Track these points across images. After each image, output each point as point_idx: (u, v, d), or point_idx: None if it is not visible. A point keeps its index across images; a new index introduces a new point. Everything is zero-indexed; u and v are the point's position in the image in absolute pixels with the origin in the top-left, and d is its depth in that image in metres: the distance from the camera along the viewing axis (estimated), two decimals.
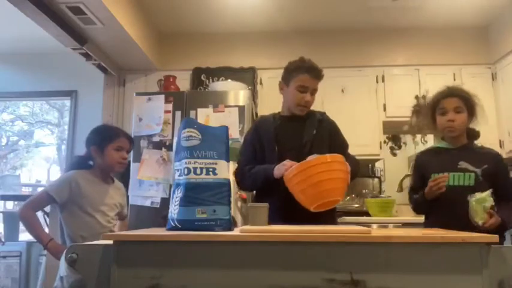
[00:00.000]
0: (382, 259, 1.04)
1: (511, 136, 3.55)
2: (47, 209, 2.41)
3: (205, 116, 3.03)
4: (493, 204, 1.67)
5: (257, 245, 1.07)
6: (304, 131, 1.86)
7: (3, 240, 3.16)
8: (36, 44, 4.10)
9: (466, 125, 1.87)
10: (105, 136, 2.06)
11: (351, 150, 1.95)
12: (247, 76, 3.92)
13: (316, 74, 1.85)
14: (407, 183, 3.88)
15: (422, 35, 3.97)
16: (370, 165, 4.04)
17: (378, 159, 3.84)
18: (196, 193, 1.25)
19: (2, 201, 5.60)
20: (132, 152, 2.81)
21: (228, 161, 1.34)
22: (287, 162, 1.63)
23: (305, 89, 1.83)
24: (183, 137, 1.31)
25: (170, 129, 3.05)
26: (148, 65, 3.94)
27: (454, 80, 3.79)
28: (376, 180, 3.93)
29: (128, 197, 2.53)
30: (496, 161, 1.83)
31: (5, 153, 9.70)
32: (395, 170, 3.94)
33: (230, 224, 1.26)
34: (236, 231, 1.18)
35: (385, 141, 3.97)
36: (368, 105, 3.77)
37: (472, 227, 1.58)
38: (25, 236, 3.58)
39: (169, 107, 3.10)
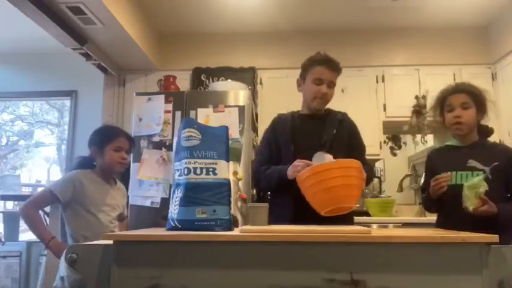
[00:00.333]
0: (382, 259, 1.04)
1: (511, 136, 3.55)
2: (47, 209, 2.41)
3: (205, 116, 3.03)
4: (487, 189, 1.62)
5: (257, 245, 1.07)
6: (324, 131, 1.81)
7: (3, 240, 3.16)
8: (36, 44, 4.10)
9: (474, 122, 1.80)
10: (105, 136, 2.07)
11: None
12: (247, 76, 3.92)
13: (331, 65, 1.81)
14: (407, 183, 3.90)
15: (422, 35, 3.97)
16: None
17: (378, 159, 3.84)
18: (196, 193, 1.25)
19: (2, 201, 5.60)
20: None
21: (228, 161, 1.34)
22: (298, 163, 1.60)
23: (321, 81, 1.80)
24: (183, 137, 1.31)
25: (170, 129, 3.05)
26: (148, 65, 3.95)
27: (454, 80, 3.78)
28: (376, 180, 3.93)
29: (127, 197, 2.53)
30: (507, 157, 1.75)
31: (5, 153, 9.70)
32: (395, 170, 3.94)
33: (230, 224, 1.26)
34: (236, 231, 1.18)
35: (385, 141, 3.97)
36: (368, 105, 3.77)
37: (481, 226, 1.45)
38: (25, 236, 3.59)
39: (169, 107, 3.10)
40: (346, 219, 1.56)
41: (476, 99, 1.80)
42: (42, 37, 3.34)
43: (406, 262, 1.04)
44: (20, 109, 9.38)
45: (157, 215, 2.83)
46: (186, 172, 1.27)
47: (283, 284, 1.04)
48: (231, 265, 1.06)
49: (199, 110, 3.06)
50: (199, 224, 1.22)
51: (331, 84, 1.82)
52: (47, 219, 2.55)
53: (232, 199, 1.34)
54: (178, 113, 3.08)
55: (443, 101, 1.86)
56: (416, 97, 3.72)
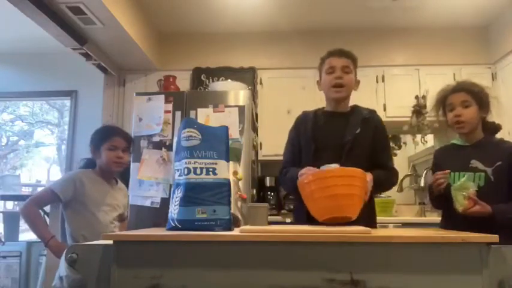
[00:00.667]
0: (382, 259, 1.04)
1: (511, 136, 3.55)
2: (47, 208, 2.41)
3: (205, 116, 3.03)
4: (476, 190, 1.62)
5: (257, 245, 1.07)
6: (347, 129, 1.73)
7: (3, 240, 3.16)
8: (36, 44, 4.10)
9: (477, 119, 1.78)
10: (101, 136, 2.08)
11: None
12: (247, 76, 3.92)
13: (338, 52, 1.78)
14: (407, 183, 3.90)
15: (422, 35, 3.97)
16: None
17: None
18: (196, 193, 1.25)
19: (2, 201, 5.60)
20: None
21: (228, 161, 1.34)
22: (306, 171, 1.54)
23: (333, 69, 1.76)
24: (183, 137, 1.31)
25: (170, 129, 3.05)
26: (148, 65, 3.94)
27: (454, 80, 3.78)
28: None
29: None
30: (510, 155, 1.71)
31: (5, 153, 9.70)
32: None
33: (230, 224, 1.26)
34: (236, 231, 1.18)
35: None
36: (368, 105, 3.72)
37: (483, 228, 1.41)
38: (25, 236, 3.58)
39: (169, 107, 3.10)
40: (367, 219, 1.54)
41: (477, 96, 1.77)
42: (42, 37, 3.34)
43: (406, 262, 1.04)
44: (20, 109, 9.37)
45: (157, 215, 2.84)
46: (186, 172, 1.27)
47: (283, 284, 1.04)
48: (231, 265, 1.06)
49: (199, 110, 3.06)
50: (199, 224, 1.22)
51: (346, 69, 1.75)
52: (47, 219, 2.55)
53: (232, 199, 1.34)
54: (178, 113, 3.08)
55: (444, 101, 1.85)
56: (416, 97, 3.72)
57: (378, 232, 1.17)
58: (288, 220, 3.32)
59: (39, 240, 1.95)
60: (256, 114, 3.78)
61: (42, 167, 10.30)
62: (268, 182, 3.80)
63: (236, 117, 3.02)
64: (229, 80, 3.62)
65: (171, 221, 1.27)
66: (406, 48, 3.98)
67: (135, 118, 3.14)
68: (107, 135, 2.07)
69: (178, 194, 1.27)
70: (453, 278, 1.03)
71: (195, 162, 1.28)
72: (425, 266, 1.03)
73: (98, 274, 1.07)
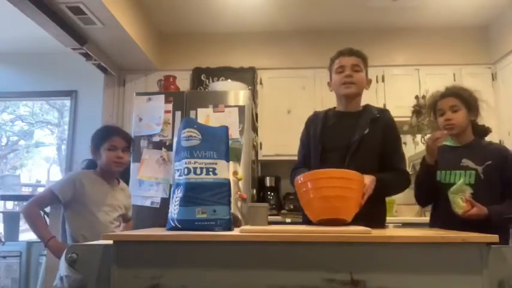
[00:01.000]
0: (382, 259, 1.04)
1: (511, 136, 3.55)
2: (47, 209, 2.41)
3: (205, 116, 3.03)
4: (472, 192, 1.68)
5: (257, 245, 1.07)
6: (356, 130, 1.70)
7: (3, 240, 3.16)
8: (36, 44, 4.10)
9: (466, 122, 1.85)
10: (100, 136, 2.08)
11: None
12: (247, 76, 3.92)
13: (348, 51, 1.77)
14: None
15: (422, 35, 3.97)
16: None
17: None
18: (196, 193, 1.25)
19: (2, 201, 5.60)
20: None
21: (228, 161, 1.34)
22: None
23: (342, 68, 1.75)
24: (183, 137, 1.31)
25: (170, 129, 3.05)
26: (148, 65, 3.95)
27: (454, 80, 3.79)
28: None
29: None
30: (500, 156, 1.78)
31: (5, 153, 9.71)
32: None
33: (230, 224, 1.26)
34: (236, 231, 1.18)
35: None
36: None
37: (471, 225, 1.53)
38: (25, 236, 3.58)
39: (169, 107, 3.10)
40: (376, 219, 1.53)
41: (465, 100, 1.85)
42: (42, 37, 3.34)
43: (406, 262, 1.04)
44: (20, 109, 9.38)
45: (157, 215, 2.84)
46: (186, 172, 1.27)
47: (283, 284, 1.04)
48: (231, 265, 1.06)
49: (199, 110, 3.06)
50: (199, 224, 1.22)
51: (356, 68, 1.74)
52: (48, 220, 2.55)
53: (232, 199, 1.34)
54: (178, 113, 3.08)
55: (434, 106, 1.92)
56: (416, 97, 3.72)
57: (378, 232, 1.17)
58: (288, 220, 3.32)
59: (39, 240, 1.95)
60: (256, 114, 3.78)
61: (42, 167, 10.31)
62: (268, 182, 3.81)
63: (236, 117, 3.02)
64: (229, 80, 3.63)
65: (171, 221, 1.27)
66: (406, 48, 3.98)
67: (135, 118, 3.14)
68: (106, 135, 2.07)
69: (178, 194, 1.27)
70: (453, 278, 1.03)
71: (195, 162, 1.27)
72: (425, 266, 1.03)
73: (98, 274, 1.07)
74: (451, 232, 1.25)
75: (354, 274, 1.03)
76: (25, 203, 1.99)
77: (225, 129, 1.38)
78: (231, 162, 2.77)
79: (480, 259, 1.04)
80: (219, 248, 1.07)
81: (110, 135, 2.06)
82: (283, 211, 3.54)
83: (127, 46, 3.55)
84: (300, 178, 1.39)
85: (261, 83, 3.93)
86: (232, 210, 1.32)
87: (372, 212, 1.42)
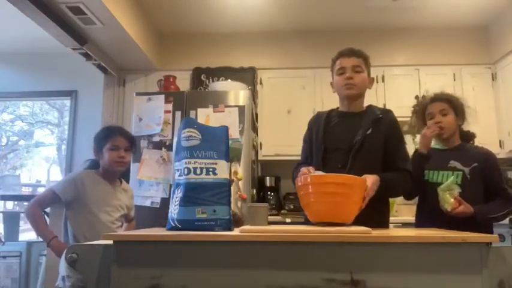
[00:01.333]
0: (382, 259, 1.04)
1: (511, 136, 3.55)
2: (47, 209, 2.42)
3: (205, 116, 3.03)
4: (460, 191, 1.78)
5: (257, 245, 1.07)
6: (358, 130, 1.70)
7: (3, 240, 3.16)
8: (36, 44, 4.10)
9: (454, 126, 1.96)
10: (102, 137, 2.08)
11: None
12: (247, 76, 3.92)
13: (348, 51, 1.77)
14: None
15: (422, 35, 3.97)
16: None
17: None
18: (196, 193, 1.25)
19: (2, 201, 5.60)
20: None
21: (228, 161, 1.34)
22: (305, 170, 1.55)
23: (343, 70, 1.75)
24: (183, 137, 1.31)
25: (170, 129, 3.06)
26: (148, 65, 3.95)
27: (454, 80, 3.79)
28: None
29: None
30: (485, 159, 1.90)
31: (5, 153, 9.71)
32: None
33: (230, 224, 1.26)
34: (236, 231, 1.18)
35: None
36: None
37: (457, 224, 1.65)
38: (25, 236, 3.58)
39: (169, 107, 3.10)
40: (379, 220, 1.54)
41: (454, 105, 1.96)
42: (42, 37, 3.34)
43: (406, 262, 1.04)
44: (20, 109, 9.38)
45: (157, 215, 2.83)
46: (186, 172, 1.27)
47: (283, 284, 1.04)
48: (231, 265, 1.06)
49: (199, 110, 3.06)
50: (199, 224, 1.22)
51: (357, 69, 1.74)
52: (48, 220, 2.56)
53: (232, 199, 1.34)
54: (178, 113, 3.08)
55: (424, 111, 2.02)
56: (416, 97, 3.71)
57: (378, 232, 1.17)
58: (288, 220, 3.32)
59: (40, 240, 1.96)
60: (256, 114, 3.78)
61: (42, 167, 10.32)
62: (268, 182, 3.80)
63: (236, 117, 3.02)
64: (229, 80, 3.63)
65: (171, 221, 1.27)
66: (406, 48, 3.98)
67: (135, 118, 3.14)
68: (109, 135, 2.08)
69: (178, 194, 1.27)
70: (453, 278, 1.03)
71: (195, 162, 1.27)
72: (425, 266, 1.03)
73: (98, 274, 1.07)
74: (451, 232, 1.25)
75: (354, 274, 1.03)
76: (27, 203, 2.01)
77: (225, 129, 1.38)
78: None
79: (480, 259, 1.04)
80: (219, 248, 1.07)
81: (113, 135, 2.07)
82: (283, 211, 3.54)
83: (127, 46, 3.55)
84: (300, 180, 1.38)
85: (261, 83, 3.93)
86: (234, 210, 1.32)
87: (376, 213, 1.41)
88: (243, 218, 1.79)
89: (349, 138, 1.70)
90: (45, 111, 9.68)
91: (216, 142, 1.32)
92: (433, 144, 2.01)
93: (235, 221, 1.75)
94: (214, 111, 3.05)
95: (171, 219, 1.27)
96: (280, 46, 4.03)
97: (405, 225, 3.01)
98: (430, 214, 1.89)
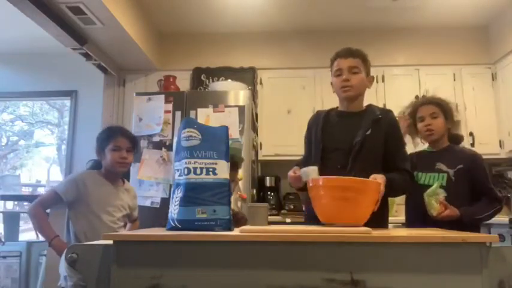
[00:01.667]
0: (382, 259, 1.04)
1: (511, 136, 3.55)
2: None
3: (205, 116, 3.03)
4: (445, 195, 1.83)
5: (257, 245, 1.07)
6: (358, 130, 1.69)
7: (3, 240, 3.16)
8: (36, 44, 4.10)
9: (444, 130, 2.03)
10: (104, 137, 2.09)
11: None
12: (247, 76, 3.92)
13: (343, 52, 1.76)
14: None
15: (422, 35, 3.97)
16: None
17: None
18: (196, 193, 1.25)
19: (2, 201, 5.60)
20: None
21: (228, 161, 1.34)
22: (291, 173, 1.60)
23: (340, 71, 1.74)
24: (183, 137, 1.31)
25: (170, 129, 3.06)
26: (148, 65, 3.95)
27: (454, 80, 3.79)
28: None
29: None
30: (471, 160, 1.96)
31: (5, 153, 9.71)
32: None
33: (230, 224, 1.26)
34: (236, 231, 1.18)
35: None
36: None
37: (442, 223, 1.75)
38: (25, 236, 3.58)
39: (169, 107, 3.10)
40: (380, 220, 1.54)
41: (443, 109, 2.03)
42: (42, 37, 3.34)
43: (406, 262, 1.04)
44: (20, 109, 9.39)
45: (157, 215, 2.83)
46: (186, 172, 1.27)
47: (283, 284, 1.04)
48: (231, 265, 1.06)
49: (199, 110, 3.06)
50: (199, 224, 1.22)
51: (353, 70, 1.73)
52: None
53: (232, 199, 1.34)
54: (178, 113, 3.08)
55: (415, 112, 2.10)
56: (416, 97, 3.72)
57: (378, 232, 1.17)
58: (288, 220, 3.32)
59: (40, 240, 1.98)
60: (256, 114, 3.78)
61: (42, 167, 10.32)
62: (268, 182, 3.80)
63: (236, 117, 3.02)
64: (229, 80, 3.63)
65: (171, 221, 1.27)
66: (406, 48, 3.98)
67: (135, 118, 3.14)
68: (111, 135, 2.08)
69: (178, 194, 1.27)
70: (453, 278, 1.03)
71: (195, 162, 1.27)
72: (425, 266, 1.04)
73: (98, 274, 1.07)
74: (451, 232, 1.25)
75: (354, 274, 1.03)
76: (30, 204, 2.04)
77: (225, 129, 1.38)
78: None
79: (480, 259, 1.04)
80: (219, 248, 1.07)
81: (114, 136, 2.07)
82: (283, 211, 3.54)
83: (127, 46, 3.55)
84: (310, 182, 1.38)
85: (261, 83, 3.93)
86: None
87: (377, 213, 1.41)
88: (245, 216, 1.80)
89: (349, 138, 1.69)
90: (45, 111, 9.68)
91: (216, 142, 1.32)
92: (424, 147, 2.12)
93: (239, 220, 1.75)
94: (214, 111, 3.05)
95: (171, 219, 1.27)
96: (280, 46, 4.03)
97: (405, 225, 3.01)
98: (418, 215, 1.94)
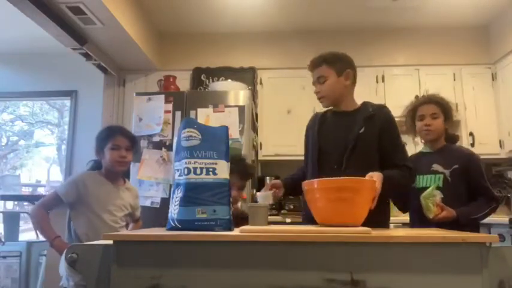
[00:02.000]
0: (382, 259, 1.04)
1: (511, 136, 3.55)
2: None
3: (205, 116, 3.03)
4: (442, 197, 1.84)
5: (257, 245, 1.07)
6: (351, 130, 1.68)
7: (3, 240, 3.16)
8: (36, 44, 4.10)
9: (442, 129, 2.03)
10: (103, 137, 2.09)
11: None
12: (247, 76, 3.92)
13: (309, 66, 1.79)
14: None
15: (422, 35, 3.97)
16: None
17: None
18: (196, 193, 1.25)
19: (2, 201, 5.60)
20: None
21: (228, 161, 1.34)
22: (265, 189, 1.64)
23: (314, 83, 1.78)
24: (183, 137, 1.31)
25: (170, 129, 3.06)
26: (148, 65, 3.95)
27: (454, 80, 3.79)
28: None
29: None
30: (466, 160, 1.96)
31: (5, 153, 9.71)
32: None
33: (230, 224, 1.26)
34: (236, 231, 1.18)
35: None
36: None
37: (442, 224, 1.76)
38: (25, 236, 3.58)
39: (169, 107, 3.10)
40: (380, 220, 1.52)
41: (444, 109, 2.03)
42: (42, 37, 3.34)
43: (406, 262, 1.04)
44: (20, 109, 9.38)
45: (157, 215, 2.83)
46: (186, 172, 1.27)
47: (283, 284, 1.04)
48: (231, 265, 1.06)
49: (199, 110, 3.06)
50: (199, 224, 1.22)
51: (320, 80, 1.73)
52: None
53: (232, 199, 1.34)
54: (178, 113, 3.08)
55: (415, 111, 2.10)
56: (416, 97, 3.71)
57: (378, 232, 1.17)
58: (288, 220, 3.32)
59: (40, 240, 1.99)
60: (256, 114, 3.78)
61: (42, 167, 10.32)
62: (268, 182, 3.80)
63: (236, 117, 3.02)
64: (229, 80, 3.63)
65: (171, 221, 1.27)
66: (406, 48, 3.98)
67: (135, 118, 3.14)
68: (110, 134, 2.09)
69: (178, 194, 1.27)
70: (453, 278, 1.03)
71: (195, 162, 1.27)
72: (425, 266, 1.03)
73: (98, 274, 1.07)
74: (451, 232, 1.25)
75: (354, 274, 1.03)
76: (32, 206, 2.06)
77: (225, 129, 1.38)
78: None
79: (480, 259, 1.04)
80: (219, 248, 1.07)
81: (114, 135, 2.08)
82: (283, 211, 3.54)
83: (127, 46, 3.55)
84: (305, 184, 1.36)
85: (261, 83, 3.93)
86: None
87: (376, 212, 1.40)
88: None
89: (343, 137, 1.68)
90: (45, 111, 9.68)
91: (216, 142, 1.32)
92: (423, 148, 2.13)
93: (245, 219, 1.75)
94: (214, 111, 3.05)
95: (171, 219, 1.27)
96: (280, 46, 4.03)
97: (405, 225, 3.01)
98: (420, 218, 1.93)
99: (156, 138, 3.06)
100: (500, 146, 3.64)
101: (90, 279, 1.07)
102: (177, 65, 4.01)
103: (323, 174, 1.48)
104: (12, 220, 3.40)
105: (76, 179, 2.03)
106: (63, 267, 1.10)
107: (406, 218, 3.28)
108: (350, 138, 1.66)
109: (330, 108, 1.85)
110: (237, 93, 3.13)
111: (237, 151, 2.92)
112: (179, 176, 1.29)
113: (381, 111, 1.73)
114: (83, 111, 4.32)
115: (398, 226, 2.96)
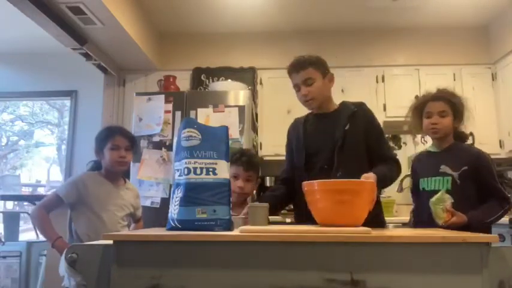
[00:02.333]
0: (382, 259, 1.04)
1: (511, 136, 3.55)
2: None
3: (205, 116, 3.03)
4: (452, 201, 1.72)
5: (257, 245, 1.07)
6: (336, 128, 1.71)
7: (3, 240, 3.16)
8: (36, 44, 4.10)
9: (450, 128, 1.90)
10: (103, 137, 2.10)
11: None
12: (247, 76, 3.92)
13: (293, 68, 1.76)
14: (407, 183, 3.87)
15: (422, 35, 3.97)
16: None
17: None
18: (196, 193, 1.25)
19: (2, 201, 5.60)
20: None
21: (228, 161, 1.34)
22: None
23: (297, 87, 1.78)
24: (183, 137, 1.31)
25: (170, 129, 3.06)
26: (148, 65, 3.95)
27: (454, 80, 3.79)
28: None
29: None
30: (475, 160, 1.84)
31: (5, 153, 9.70)
32: None
33: (230, 224, 1.26)
34: (236, 231, 1.18)
35: None
36: (368, 105, 3.76)
37: (450, 229, 1.64)
38: (25, 236, 3.58)
39: (169, 107, 3.10)
40: (375, 219, 1.51)
41: (454, 107, 1.89)
42: (42, 37, 3.34)
43: (406, 262, 1.04)
44: (20, 109, 9.38)
45: (157, 215, 2.83)
46: (186, 172, 1.27)
47: (283, 284, 1.04)
48: (231, 265, 1.06)
49: (199, 110, 3.06)
50: (199, 224, 1.22)
51: (308, 82, 1.73)
52: None
53: (232, 199, 1.34)
54: (178, 113, 3.08)
55: (423, 107, 1.94)
56: (416, 97, 3.71)
57: (378, 232, 1.17)
58: (288, 220, 3.32)
59: (40, 240, 1.99)
60: (256, 114, 3.78)
61: (42, 167, 10.31)
62: (268, 182, 3.80)
63: (236, 117, 3.02)
64: (229, 80, 3.63)
65: (171, 221, 1.27)
66: (406, 48, 3.98)
67: (135, 118, 3.14)
68: (109, 134, 2.09)
69: (178, 194, 1.27)
70: (453, 278, 1.03)
71: (195, 162, 1.27)
72: (425, 266, 1.03)
73: (98, 274, 1.07)
74: (452, 232, 1.25)
75: (354, 274, 1.03)
76: (33, 207, 2.07)
77: (225, 129, 1.38)
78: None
79: (480, 259, 1.04)
80: (219, 248, 1.07)
81: (113, 135, 2.08)
82: (283, 211, 3.54)
83: (127, 46, 3.55)
84: (305, 185, 1.35)
85: (261, 83, 3.93)
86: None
87: (372, 213, 1.40)
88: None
89: (329, 138, 1.72)
90: (45, 111, 9.67)
91: (216, 142, 1.32)
92: (429, 147, 2.00)
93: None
94: (214, 111, 3.05)
95: (171, 219, 1.27)
96: (280, 46, 4.03)
97: (405, 225, 3.01)
98: (423, 221, 1.84)
99: (156, 138, 3.06)
100: (500, 146, 3.64)
101: (90, 279, 1.07)
102: (177, 65, 4.01)
103: (313, 176, 1.48)
104: (12, 220, 3.40)
105: (76, 180, 2.04)
106: (63, 267, 1.10)
107: (406, 218, 3.29)
108: (338, 136, 1.70)
109: (310, 112, 1.88)
110: (237, 93, 3.13)
111: (237, 151, 2.92)
112: (179, 176, 1.29)
113: (362, 108, 1.79)
114: (83, 111, 4.32)
115: (399, 226, 2.97)
